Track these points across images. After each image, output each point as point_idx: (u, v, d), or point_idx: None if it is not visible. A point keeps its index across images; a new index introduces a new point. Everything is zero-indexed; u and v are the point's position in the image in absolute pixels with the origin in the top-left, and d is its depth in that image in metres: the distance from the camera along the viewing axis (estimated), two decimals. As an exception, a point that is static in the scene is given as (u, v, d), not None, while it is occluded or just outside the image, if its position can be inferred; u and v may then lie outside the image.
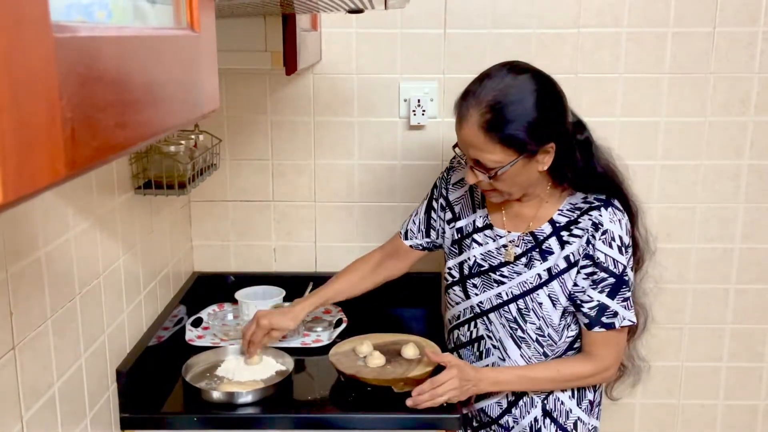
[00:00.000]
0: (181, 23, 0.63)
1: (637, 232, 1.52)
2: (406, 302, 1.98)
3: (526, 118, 1.36)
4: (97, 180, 1.36)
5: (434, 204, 1.68)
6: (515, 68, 1.41)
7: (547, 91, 1.41)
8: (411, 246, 1.72)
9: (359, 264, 1.77)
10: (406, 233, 1.73)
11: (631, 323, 1.48)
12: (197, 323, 1.87)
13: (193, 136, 1.73)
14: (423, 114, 1.97)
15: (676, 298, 2.10)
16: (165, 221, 1.80)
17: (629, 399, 2.14)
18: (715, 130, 2.00)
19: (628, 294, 1.47)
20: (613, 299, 1.46)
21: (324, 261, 2.09)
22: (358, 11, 1.48)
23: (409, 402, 1.47)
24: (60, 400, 1.18)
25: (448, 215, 1.65)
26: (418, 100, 1.96)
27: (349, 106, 2.00)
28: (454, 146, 1.50)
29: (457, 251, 1.62)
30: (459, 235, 1.62)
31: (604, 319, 1.46)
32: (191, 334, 1.81)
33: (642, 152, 2.01)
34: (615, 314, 1.46)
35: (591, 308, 1.46)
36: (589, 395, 1.58)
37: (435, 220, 1.67)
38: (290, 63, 1.49)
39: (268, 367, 1.61)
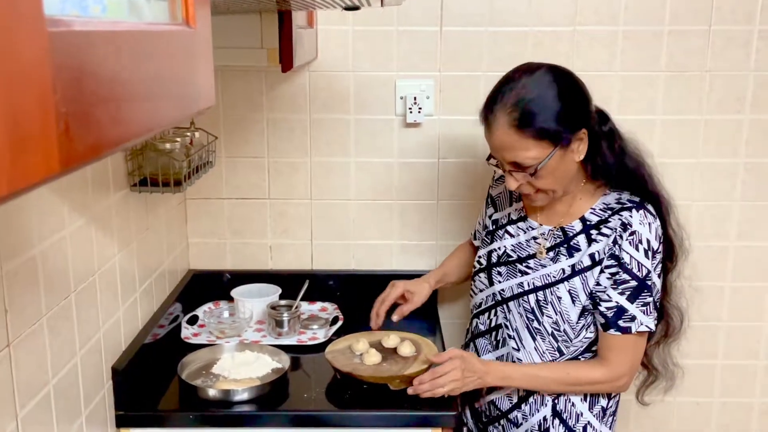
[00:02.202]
0: (176, 19, 0.63)
1: (670, 228, 1.51)
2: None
3: (552, 108, 1.39)
4: (92, 177, 1.35)
5: (487, 203, 1.73)
6: (530, 67, 1.45)
7: (566, 79, 1.44)
8: (479, 246, 1.75)
9: (460, 250, 1.90)
10: (474, 234, 1.80)
11: (648, 330, 1.46)
12: (193, 321, 1.87)
13: (188, 134, 1.73)
14: (419, 112, 1.97)
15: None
16: (161, 219, 1.79)
17: (625, 396, 2.14)
18: (710, 128, 2.00)
19: (650, 299, 1.45)
20: (632, 303, 1.44)
21: (320, 259, 2.08)
22: (355, 8, 1.48)
23: (410, 390, 1.47)
24: (55, 397, 1.18)
25: (491, 210, 1.69)
26: (415, 98, 1.96)
27: (345, 104, 1.99)
28: (488, 158, 1.52)
29: (489, 240, 1.65)
30: (494, 226, 1.65)
31: (620, 323, 1.45)
32: (187, 332, 1.81)
33: (638, 150, 2.01)
34: (633, 318, 1.44)
35: (608, 308, 1.45)
36: (603, 401, 1.55)
37: (486, 219, 1.71)
38: (286, 60, 1.49)
39: (264, 365, 1.61)
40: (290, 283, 1.92)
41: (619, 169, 1.48)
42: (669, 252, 1.51)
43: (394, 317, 1.75)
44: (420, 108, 1.96)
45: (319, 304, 2.00)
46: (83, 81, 0.43)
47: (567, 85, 1.43)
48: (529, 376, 1.50)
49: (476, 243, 1.77)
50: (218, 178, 2.03)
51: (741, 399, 2.17)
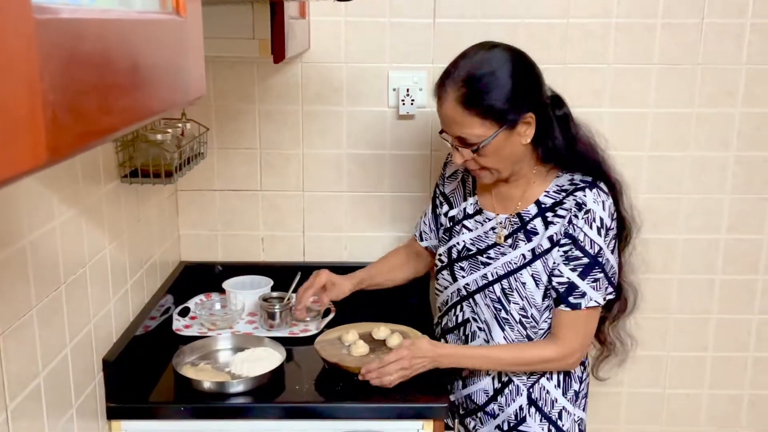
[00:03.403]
0: (166, 7, 0.63)
1: (623, 207, 1.53)
2: (395, 292, 1.97)
3: (501, 89, 1.41)
4: (82, 168, 1.35)
5: (437, 202, 1.72)
6: (487, 45, 1.47)
7: (520, 61, 1.45)
8: (426, 247, 1.77)
9: (393, 255, 1.85)
10: (420, 235, 1.78)
11: (596, 304, 1.48)
12: (184, 313, 1.87)
13: (180, 125, 1.72)
14: (412, 104, 1.96)
15: (662, 289, 2.11)
16: (152, 210, 1.78)
17: (615, 388, 2.16)
18: (702, 121, 2.00)
19: (600, 275, 1.47)
20: (583, 280, 1.46)
21: (312, 251, 2.08)
22: (347, -1, 1.47)
23: (359, 376, 1.49)
24: (45, 390, 1.17)
25: (446, 208, 1.68)
26: (407, 90, 1.95)
27: (337, 95, 1.99)
28: (441, 132, 1.52)
29: (447, 237, 1.65)
30: (450, 223, 1.65)
31: (571, 299, 1.47)
32: (178, 324, 1.80)
33: (630, 143, 2.01)
34: (583, 294, 1.47)
35: (560, 284, 1.47)
36: (575, 386, 1.58)
37: (440, 217, 1.70)
38: (278, 51, 1.48)
39: (274, 359, 1.58)
40: (282, 275, 1.92)
41: (571, 153, 1.49)
42: (622, 231, 1.54)
43: (315, 306, 1.76)
44: (413, 100, 1.96)
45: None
46: (71, 69, 0.43)
47: (520, 66, 1.44)
48: (484, 357, 1.52)
49: (423, 244, 1.77)
50: (210, 169, 2.02)
51: (730, 391, 2.19)
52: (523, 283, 1.50)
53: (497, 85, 1.41)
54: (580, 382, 1.60)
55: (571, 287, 1.47)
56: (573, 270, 1.46)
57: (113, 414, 1.45)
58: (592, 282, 1.46)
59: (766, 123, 2.00)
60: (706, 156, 2.03)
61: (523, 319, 1.52)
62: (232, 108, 1.99)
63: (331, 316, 1.85)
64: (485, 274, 1.55)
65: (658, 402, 2.20)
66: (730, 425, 2.21)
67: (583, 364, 1.59)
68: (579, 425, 1.59)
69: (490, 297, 1.54)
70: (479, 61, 1.43)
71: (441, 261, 1.64)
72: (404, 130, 2.01)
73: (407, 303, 1.90)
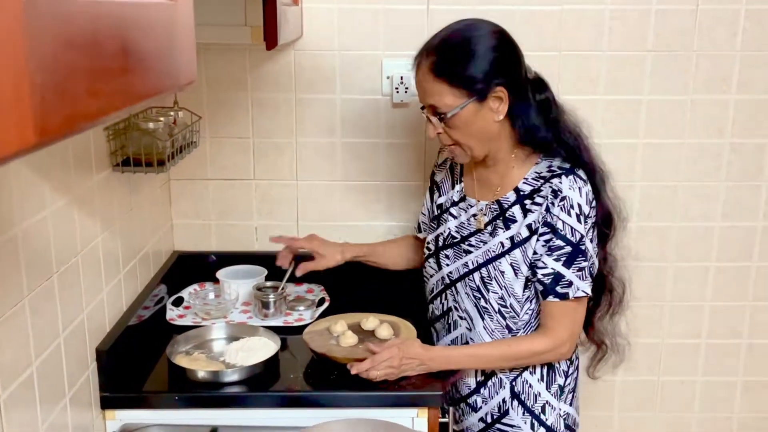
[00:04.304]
0: (156, -9, 0.62)
1: (607, 200, 1.51)
2: (388, 283, 1.97)
3: (473, 58, 1.41)
4: (74, 157, 1.33)
5: (433, 190, 1.71)
6: (466, 19, 1.48)
7: (497, 36, 1.44)
8: (424, 238, 1.74)
9: (405, 238, 1.87)
10: (419, 227, 1.77)
11: (585, 294, 1.47)
12: (178, 302, 1.86)
13: (172, 113, 1.71)
14: (406, 91, 1.95)
15: (657, 276, 2.11)
16: (144, 199, 1.77)
17: (610, 376, 2.16)
18: (697, 108, 2.00)
19: (584, 264, 1.45)
20: (568, 268, 1.45)
21: (306, 240, 2.07)
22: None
23: (353, 370, 1.48)
24: (38, 379, 1.17)
25: (436, 195, 1.68)
26: (401, 78, 1.94)
27: (331, 83, 1.97)
28: (422, 108, 1.52)
29: (435, 225, 1.64)
30: (439, 211, 1.65)
31: (558, 289, 1.45)
32: (172, 314, 1.80)
33: (625, 130, 2.01)
34: (570, 284, 1.45)
35: (545, 275, 1.46)
36: (560, 380, 1.56)
37: (434, 205, 1.69)
38: (270, 38, 1.47)
39: (269, 348, 1.58)
40: (276, 265, 1.91)
41: (552, 138, 1.47)
42: (606, 223, 1.52)
43: (298, 272, 1.74)
44: (407, 88, 1.95)
45: (305, 286, 2.00)
46: (59, 52, 0.42)
47: (496, 40, 1.43)
48: (473, 356, 1.51)
49: (422, 235, 1.76)
50: (202, 158, 2.01)
51: (724, 378, 2.19)
52: (502, 272, 1.49)
53: (469, 55, 1.41)
54: (566, 377, 1.57)
55: (558, 277, 1.45)
56: (557, 260, 1.44)
57: (107, 403, 1.45)
58: (578, 271, 1.45)
59: (760, 110, 2.00)
60: (701, 143, 2.02)
61: (502, 309, 1.51)
62: (224, 96, 1.97)
63: (326, 305, 1.85)
64: (466, 263, 1.54)
65: (652, 389, 2.21)
66: (723, 411, 2.22)
67: (569, 358, 1.57)
68: (565, 420, 1.57)
69: (470, 285, 1.53)
70: (455, 31, 1.44)
71: (429, 249, 1.64)
72: (399, 118, 2.00)
73: (399, 292, 1.89)
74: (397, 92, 1.95)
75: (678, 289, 2.13)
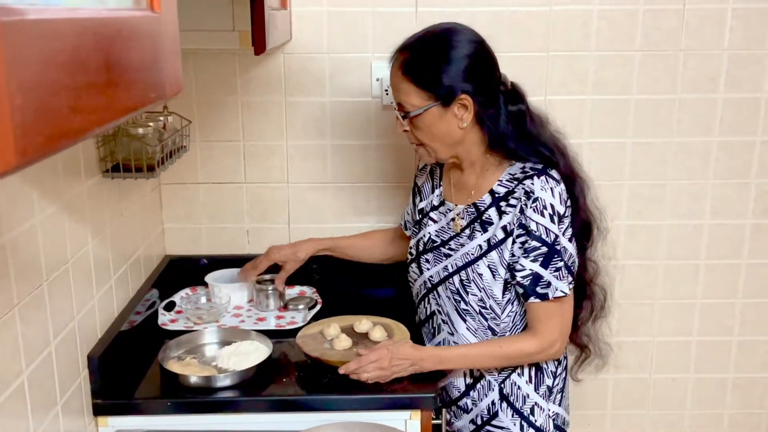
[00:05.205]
0: (140, 3, 0.62)
1: (587, 209, 1.53)
2: (380, 285, 1.97)
3: (440, 62, 1.42)
4: (63, 163, 1.33)
5: (414, 196, 1.72)
6: (449, 23, 1.49)
7: (472, 44, 1.45)
8: (409, 236, 1.75)
9: (377, 232, 1.89)
10: (405, 224, 1.78)
11: (564, 294, 1.46)
12: (170, 307, 1.86)
13: (161, 118, 1.70)
14: (395, 93, 1.95)
15: (647, 274, 2.12)
16: (135, 205, 1.77)
17: (602, 374, 2.17)
18: (685, 107, 2.01)
19: (561, 264, 1.45)
20: (546, 269, 1.45)
21: (298, 242, 2.07)
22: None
23: (341, 370, 1.49)
24: (30, 388, 1.16)
25: (418, 199, 1.69)
26: (391, 80, 1.94)
27: (320, 86, 1.98)
28: (392, 103, 1.54)
29: (417, 230, 1.65)
30: (420, 216, 1.66)
31: (538, 289, 1.46)
32: (164, 318, 1.79)
33: (613, 130, 2.01)
34: (548, 284, 1.45)
35: (524, 277, 1.46)
36: (548, 381, 1.57)
37: (416, 208, 1.70)
38: (259, 43, 1.47)
39: (261, 352, 1.58)
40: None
41: (522, 151, 1.47)
42: (585, 232, 1.54)
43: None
44: (396, 90, 1.95)
45: (297, 288, 2.00)
46: (40, 71, 0.42)
47: (469, 48, 1.44)
48: (464, 356, 1.52)
49: (408, 233, 1.77)
50: (193, 162, 2.01)
51: (715, 375, 2.21)
52: (480, 275, 1.50)
53: (440, 59, 1.42)
54: (554, 377, 1.58)
55: (536, 278, 1.45)
56: (534, 261, 1.45)
57: (99, 410, 1.44)
58: (555, 271, 1.45)
59: (748, 108, 2.01)
60: (689, 141, 2.03)
61: (483, 311, 1.52)
62: (214, 100, 1.97)
63: (318, 308, 1.85)
64: (446, 266, 1.55)
65: (644, 387, 2.22)
66: (715, 408, 2.23)
67: (557, 359, 1.58)
68: (554, 420, 1.58)
69: (450, 289, 1.54)
70: (433, 33, 1.46)
71: (411, 254, 1.65)
72: (388, 120, 2.00)
73: (393, 297, 1.89)
74: (387, 94, 1.95)
75: (668, 287, 2.14)
